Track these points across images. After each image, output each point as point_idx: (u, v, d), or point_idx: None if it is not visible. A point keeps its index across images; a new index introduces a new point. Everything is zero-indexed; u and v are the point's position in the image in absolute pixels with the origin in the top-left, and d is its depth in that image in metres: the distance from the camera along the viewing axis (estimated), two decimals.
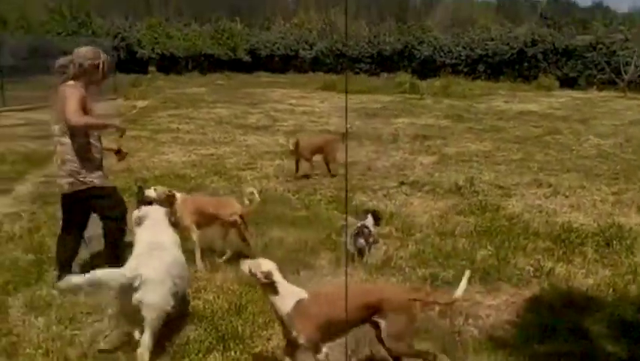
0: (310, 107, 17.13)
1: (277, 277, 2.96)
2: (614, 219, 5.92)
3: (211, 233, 4.98)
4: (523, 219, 5.96)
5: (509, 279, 4.45)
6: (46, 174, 7.91)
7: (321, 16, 42.83)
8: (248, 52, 36.28)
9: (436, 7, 68.71)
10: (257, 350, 3.39)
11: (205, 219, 4.80)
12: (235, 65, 35.13)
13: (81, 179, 3.95)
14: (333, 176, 7.87)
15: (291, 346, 2.96)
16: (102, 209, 4.10)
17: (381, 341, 3.00)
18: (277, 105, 17.37)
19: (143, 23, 36.91)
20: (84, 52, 4.02)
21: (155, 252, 3.43)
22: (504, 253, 4.94)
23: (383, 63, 32.21)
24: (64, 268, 4.19)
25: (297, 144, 7.71)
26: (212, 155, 9.49)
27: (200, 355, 3.28)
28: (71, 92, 3.83)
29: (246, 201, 4.86)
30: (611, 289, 4.22)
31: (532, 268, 4.61)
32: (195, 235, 4.69)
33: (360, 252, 4.92)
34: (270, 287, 2.93)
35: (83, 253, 4.53)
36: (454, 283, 4.38)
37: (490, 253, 4.97)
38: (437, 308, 3.78)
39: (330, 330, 2.92)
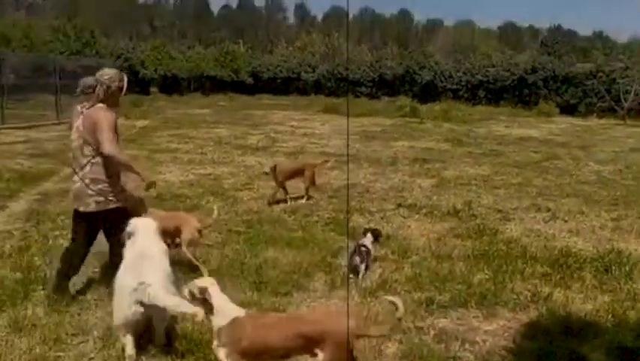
0: (311, 129, 17.18)
1: (214, 294, 2.88)
2: (613, 244, 5.85)
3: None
4: (521, 243, 5.88)
5: (506, 304, 4.37)
6: (41, 192, 7.90)
7: (324, 39, 43.31)
8: (250, 74, 36.62)
9: (437, 33, 69.51)
10: None
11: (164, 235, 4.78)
12: (237, 87, 35.43)
13: (110, 198, 4.05)
14: (308, 198, 7.75)
15: None
16: (116, 229, 4.03)
17: None
18: (278, 127, 17.43)
19: (147, 45, 37.35)
20: (112, 74, 4.08)
21: (151, 262, 3.49)
22: (501, 277, 4.86)
23: (384, 87, 32.45)
24: (64, 279, 4.13)
25: (274, 168, 7.55)
26: (209, 175, 9.45)
27: None
28: (106, 118, 3.93)
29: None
30: (610, 315, 4.13)
31: (529, 293, 4.53)
32: None
33: (355, 270, 4.89)
34: (206, 304, 2.86)
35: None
36: (450, 307, 4.33)
37: (487, 277, 4.89)
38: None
39: (259, 355, 2.77)
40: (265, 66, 36.99)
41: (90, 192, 4.01)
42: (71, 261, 4.20)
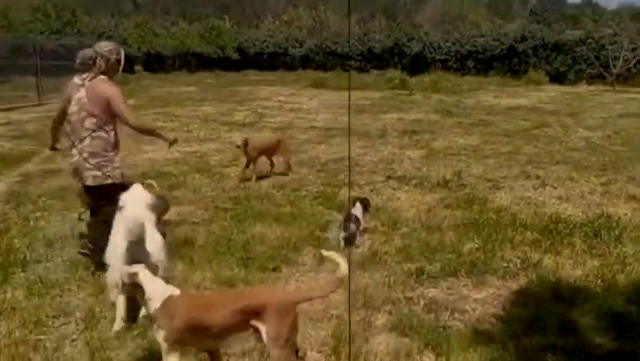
0: (299, 104, 16.97)
1: (144, 278, 2.81)
2: (602, 209, 5.83)
3: None
4: (511, 211, 5.84)
5: (496, 272, 4.34)
6: (22, 174, 7.74)
7: (311, 13, 42.64)
8: (237, 50, 36.03)
9: (426, 4, 68.72)
10: None
11: None
12: (224, 64, 34.88)
13: (108, 173, 4.07)
14: (285, 174, 7.59)
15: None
16: (106, 203, 3.98)
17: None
18: (265, 102, 17.20)
19: (130, 22, 36.58)
20: (111, 46, 4.12)
21: (148, 232, 3.49)
22: (491, 245, 4.82)
23: (373, 60, 32.11)
24: (96, 252, 3.92)
25: (245, 143, 7.28)
26: (196, 152, 9.31)
27: None
28: (116, 90, 4.00)
29: None
30: (599, 280, 4.11)
31: (519, 260, 4.50)
32: None
33: (350, 239, 4.89)
34: (138, 289, 2.79)
35: None
36: (440, 276, 4.29)
37: (477, 245, 4.85)
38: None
39: (196, 333, 2.71)
40: (251, 41, 36.40)
41: (88, 165, 4.01)
42: (95, 231, 4.14)
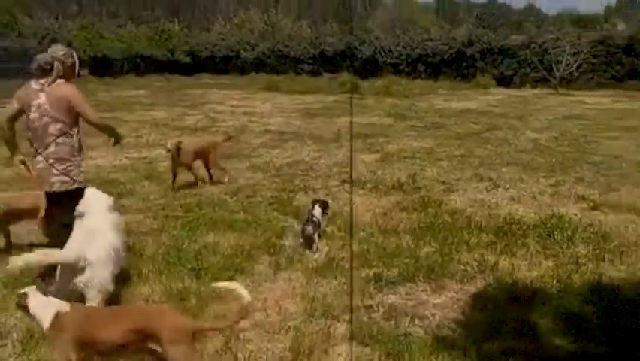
0: (252, 107, 16.76)
1: (31, 297, 2.75)
2: (553, 210, 5.94)
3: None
4: (465, 213, 5.87)
5: (454, 275, 4.32)
6: None
7: (262, 16, 42.33)
8: (187, 53, 35.31)
9: (377, 9, 69.65)
10: None
11: (12, 216, 4.86)
12: (174, 67, 34.10)
13: (75, 178, 4.04)
14: (220, 182, 7.25)
15: None
16: (68, 206, 3.95)
17: None
18: (217, 107, 16.89)
19: (74, 24, 35.29)
20: (65, 50, 4.07)
21: (96, 236, 3.62)
22: (448, 248, 4.81)
23: (325, 64, 32.14)
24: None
25: (178, 148, 6.76)
26: (144, 158, 8.99)
27: None
28: (76, 92, 3.97)
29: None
30: (555, 281, 4.15)
31: (476, 263, 4.50)
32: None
33: (309, 240, 4.87)
34: (26, 310, 2.75)
35: None
36: (399, 282, 4.22)
37: (434, 249, 4.83)
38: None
39: (89, 350, 2.66)
40: (203, 45, 35.76)
41: (55, 171, 3.95)
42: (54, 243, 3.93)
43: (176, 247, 4.92)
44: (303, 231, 4.96)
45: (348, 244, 4.91)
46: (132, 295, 3.92)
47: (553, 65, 24.14)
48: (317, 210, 5.13)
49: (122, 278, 4.00)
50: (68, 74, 4.03)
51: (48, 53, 3.97)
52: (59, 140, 3.94)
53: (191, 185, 7.17)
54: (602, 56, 25.27)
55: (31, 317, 2.76)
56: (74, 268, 3.40)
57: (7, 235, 4.95)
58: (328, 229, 5.39)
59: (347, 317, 3.65)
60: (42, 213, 4.48)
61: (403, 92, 21.25)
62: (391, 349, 3.24)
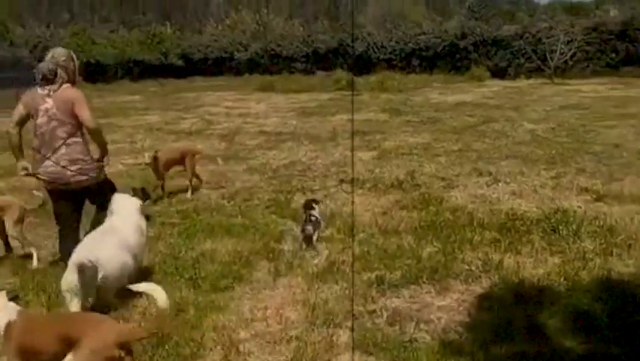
0: (247, 108, 16.62)
1: None
2: (556, 203, 5.83)
3: None
4: (467, 210, 5.76)
5: (458, 275, 4.21)
6: None
7: (254, 17, 42.11)
8: (180, 56, 35.12)
9: (367, 4, 69.42)
10: None
11: None
12: (168, 71, 33.90)
13: (91, 175, 4.22)
14: (194, 190, 6.89)
15: None
16: (101, 199, 4.35)
17: None
18: (212, 109, 16.76)
19: (66, 31, 35.06)
20: (65, 54, 4.19)
21: (111, 235, 3.88)
22: (450, 247, 4.70)
23: (318, 61, 32.00)
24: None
25: (155, 158, 6.55)
26: (139, 164, 8.82)
27: None
28: (80, 94, 4.12)
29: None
30: (562, 278, 4.03)
31: (480, 262, 4.38)
32: None
33: (309, 239, 4.84)
34: None
35: None
36: (402, 285, 4.11)
37: (436, 249, 4.72)
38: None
39: (31, 357, 2.62)
40: (195, 47, 35.57)
41: (70, 172, 4.09)
42: (69, 242, 4.16)
43: (173, 255, 4.81)
44: (303, 230, 4.91)
45: (349, 247, 4.80)
46: (128, 308, 3.80)
47: (548, 55, 24.06)
48: (316, 210, 5.12)
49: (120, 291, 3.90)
50: (72, 78, 4.16)
51: (50, 60, 4.08)
52: (69, 141, 4.08)
53: (185, 190, 7.01)
54: (596, 43, 25.21)
55: None
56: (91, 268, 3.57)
57: None
58: (327, 231, 5.28)
59: (350, 324, 3.54)
60: (10, 220, 4.74)
61: (398, 87, 21.13)
62: (397, 357, 3.14)
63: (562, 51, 23.71)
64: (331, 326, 3.52)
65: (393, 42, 30.74)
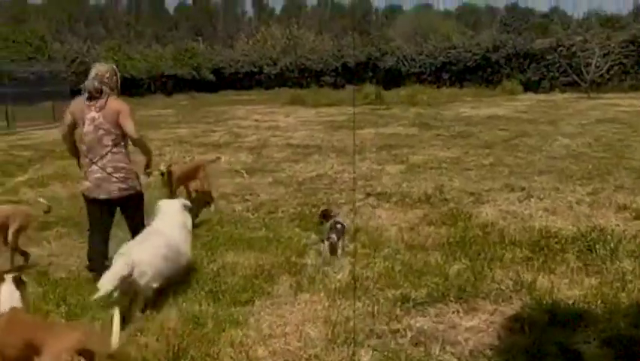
0: (275, 121, 16.70)
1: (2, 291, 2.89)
2: (593, 221, 5.56)
3: None
4: (497, 226, 5.54)
5: (487, 295, 4.01)
6: None
7: (284, 32, 42.59)
8: (212, 71, 35.76)
9: (397, 18, 69.41)
10: None
11: None
12: (200, 85, 34.54)
13: (131, 184, 4.41)
14: (209, 205, 6.59)
15: None
16: (135, 211, 4.53)
17: None
18: (241, 122, 16.89)
19: (102, 47, 36.06)
20: (109, 69, 4.38)
21: (149, 237, 4.13)
22: (480, 265, 4.50)
23: (348, 75, 32.07)
24: (102, 268, 3.99)
25: (169, 173, 6.20)
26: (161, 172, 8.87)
27: None
28: (128, 109, 4.34)
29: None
30: (599, 301, 3.79)
31: (511, 282, 4.17)
32: None
33: (333, 248, 4.81)
34: None
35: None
36: (428, 303, 3.94)
37: (464, 266, 4.52)
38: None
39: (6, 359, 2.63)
40: (226, 62, 36.18)
41: (113, 179, 4.29)
42: (99, 248, 4.40)
43: (194, 267, 4.73)
44: (328, 238, 4.88)
45: (372, 263, 4.65)
46: (147, 321, 3.73)
47: (583, 68, 23.50)
48: (340, 218, 5.14)
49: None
50: (117, 89, 4.40)
51: (95, 78, 4.26)
52: (115, 149, 4.29)
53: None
54: (634, 56, 24.52)
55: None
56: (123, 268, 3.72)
57: None
58: (351, 246, 5.14)
59: (372, 343, 3.40)
60: (12, 228, 4.75)
61: (428, 100, 20.95)
62: None
63: (597, 64, 23.14)
64: (352, 345, 3.37)
65: (423, 56, 30.61)
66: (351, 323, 3.63)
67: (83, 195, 4.49)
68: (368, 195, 7.17)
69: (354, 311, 3.67)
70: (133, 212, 4.50)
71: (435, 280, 4.26)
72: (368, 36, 41.62)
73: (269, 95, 29.07)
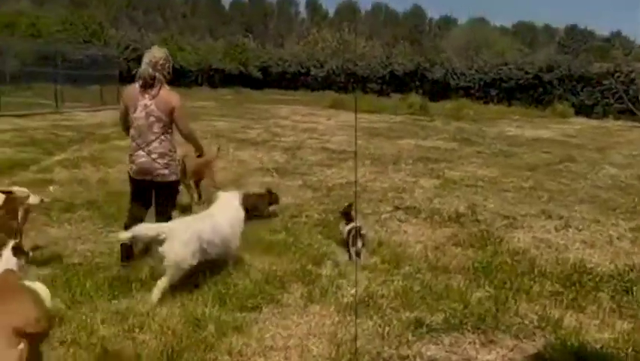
0: (315, 124, 16.59)
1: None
2: (633, 259, 5.17)
3: None
4: (529, 255, 5.22)
5: (508, 328, 3.73)
6: (16, 182, 7.35)
7: (335, 35, 42.58)
8: (259, 68, 36.07)
9: (451, 31, 68.43)
10: None
11: None
12: (246, 81, 34.88)
13: (173, 171, 4.54)
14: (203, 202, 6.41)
15: None
16: (167, 197, 4.63)
17: None
18: (281, 121, 16.86)
19: (157, 36, 36.91)
20: (163, 56, 4.42)
21: (198, 220, 4.35)
22: (504, 295, 4.22)
23: (394, 84, 31.74)
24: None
25: (183, 163, 5.93)
26: None
27: None
28: (181, 103, 4.46)
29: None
30: (630, 347, 3.47)
31: (536, 317, 3.88)
32: None
33: (358, 255, 4.78)
34: None
35: None
36: (443, 330, 3.70)
37: (487, 294, 4.25)
38: None
39: None
40: (274, 60, 36.42)
41: (157, 165, 4.42)
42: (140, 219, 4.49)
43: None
44: (354, 245, 4.85)
45: (390, 280, 4.43)
46: (147, 317, 3.63)
47: None
48: (359, 221, 5.15)
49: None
50: (167, 78, 4.44)
51: (149, 64, 4.31)
52: (163, 137, 4.40)
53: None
54: None
55: None
56: (156, 241, 3.97)
57: None
58: (372, 260, 4.94)
59: None
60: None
61: (473, 116, 20.45)
62: None
63: None
64: None
65: (473, 70, 30.00)
66: (358, 344, 3.43)
67: (129, 173, 4.65)
68: (397, 208, 6.93)
69: (355, 330, 3.45)
70: (165, 199, 4.58)
71: (454, 306, 4.02)
72: (419, 45, 41.17)
73: (313, 96, 29.02)
